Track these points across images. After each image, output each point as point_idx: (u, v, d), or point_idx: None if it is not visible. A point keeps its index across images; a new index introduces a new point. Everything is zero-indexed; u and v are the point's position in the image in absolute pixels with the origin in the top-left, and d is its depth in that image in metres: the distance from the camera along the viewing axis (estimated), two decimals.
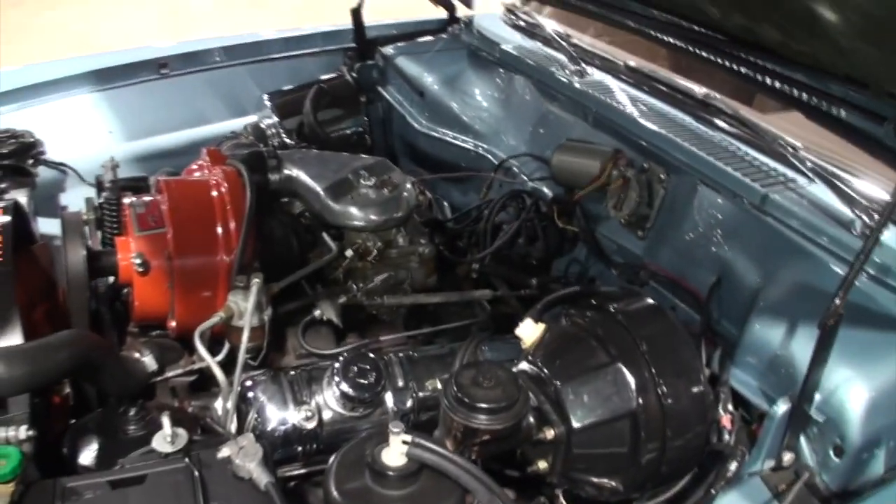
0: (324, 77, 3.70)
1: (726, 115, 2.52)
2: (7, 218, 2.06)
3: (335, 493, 1.52)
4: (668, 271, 2.41)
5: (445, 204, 3.37)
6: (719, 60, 2.37)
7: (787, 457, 1.89)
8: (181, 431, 1.69)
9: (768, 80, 2.24)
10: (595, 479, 1.88)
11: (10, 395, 1.72)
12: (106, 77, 3.53)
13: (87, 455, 1.91)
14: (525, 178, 3.05)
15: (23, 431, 1.70)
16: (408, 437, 1.49)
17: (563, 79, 2.96)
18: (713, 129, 2.53)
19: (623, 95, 2.81)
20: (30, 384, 1.72)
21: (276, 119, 3.42)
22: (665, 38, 2.52)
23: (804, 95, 2.15)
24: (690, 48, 2.45)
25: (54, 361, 1.77)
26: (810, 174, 2.18)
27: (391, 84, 3.80)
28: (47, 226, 2.66)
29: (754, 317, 2.08)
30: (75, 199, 2.78)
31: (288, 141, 3.37)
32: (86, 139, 3.37)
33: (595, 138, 2.74)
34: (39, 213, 2.71)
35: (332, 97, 3.54)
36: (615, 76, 2.98)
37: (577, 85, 2.90)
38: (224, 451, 1.60)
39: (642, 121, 2.58)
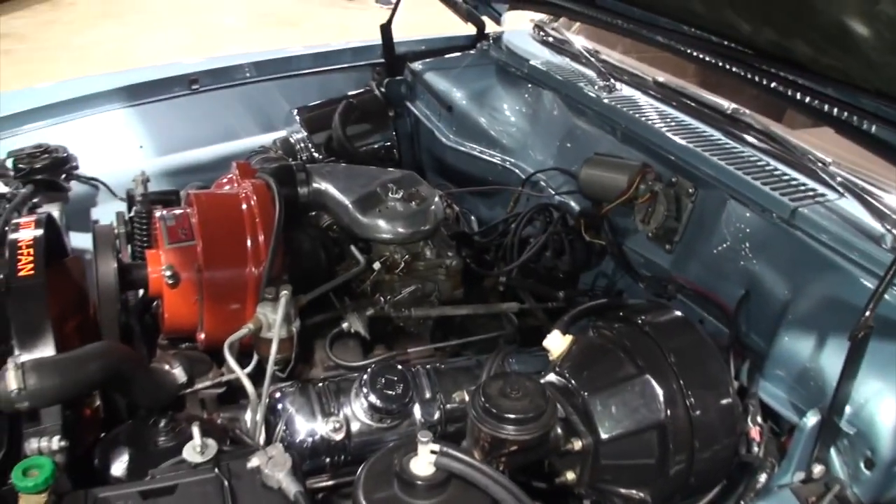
0: (352, 92, 3.72)
1: (755, 130, 2.53)
2: (39, 231, 2.09)
3: (364, 503, 1.52)
4: (696, 284, 2.40)
5: (472, 218, 3.38)
6: (749, 76, 2.36)
7: (818, 469, 1.89)
8: (211, 442, 1.70)
9: (798, 95, 2.22)
10: (623, 491, 1.87)
11: (42, 405, 1.74)
12: (137, 93, 3.56)
13: (119, 466, 1.93)
14: (552, 192, 3.06)
15: (55, 442, 1.72)
16: (436, 447, 1.49)
17: (591, 94, 2.97)
18: (742, 143, 2.53)
19: (651, 110, 2.82)
20: (61, 395, 1.74)
21: (304, 133, 3.44)
22: (694, 54, 2.52)
23: (835, 110, 2.14)
24: (720, 63, 2.44)
25: (85, 373, 1.79)
26: (840, 189, 2.18)
27: (419, 99, 3.83)
28: (79, 240, 2.69)
29: (783, 330, 2.08)
30: (107, 213, 2.80)
31: (316, 155, 3.40)
32: (117, 154, 3.41)
33: (623, 153, 2.74)
34: (71, 228, 2.74)
35: (360, 112, 3.57)
36: (644, 91, 2.99)
37: (605, 100, 2.91)
38: (253, 462, 1.61)
39: (671, 135, 2.58)
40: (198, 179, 3.07)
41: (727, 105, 2.66)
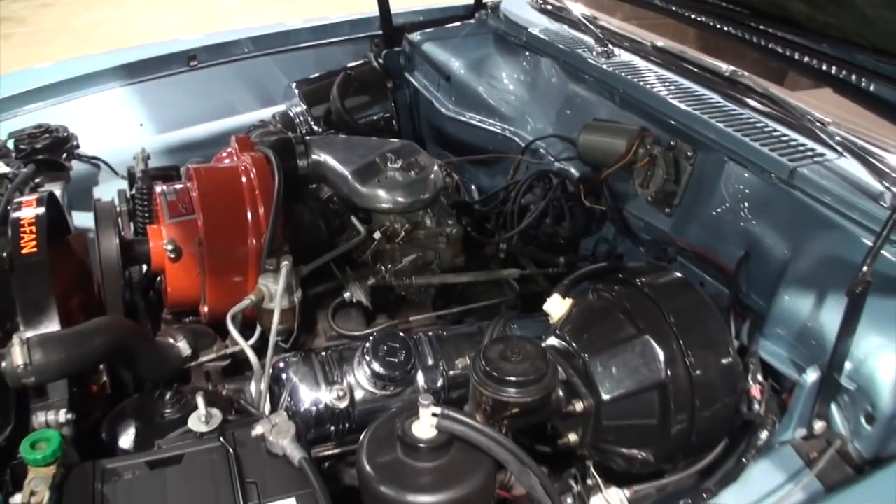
0: (351, 64, 3.72)
1: (754, 92, 2.52)
2: (42, 209, 2.10)
3: (367, 467, 1.54)
4: (696, 247, 2.41)
5: (473, 186, 3.39)
6: (746, 36, 2.36)
7: (819, 425, 1.90)
8: (215, 411, 1.71)
9: (796, 55, 2.22)
10: (625, 451, 1.89)
11: (48, 380, 1.75)
12: (136, 71, 3.58)
13: (126, 439, 1.95)
14: (552, 159, 3.06)
15: (62, 415, 1.73)
16: (437, 410, 1.50)
17: (590, 60, 2.97)
18: (740, 106, 2.53)
19: (650, 75, 2.81)
20: (67, 370, 1.75)
21: (303, 107, 3.44)
22: (691, 16, 2.51)
23: (833, 69, 2.14)
24: (717, 25, 2.44)
25: (91, 347, 1.80)
26: (839, 148, 2.17)
27: (418, 70, 3.82)
28: (81, 219, 2.70)
29: (783, 289, 2.08)
30: (108, 192, 2.82)
31: (315, 128, 3.40)
32: (117, 133, 3.43)
33: (622, 118, 2.74)
34: (73, 207, 2.76)
35: (359, 84, 3.56)
36: (642, 57, 2.98)
37: (604, 66, 2.90)
38: (258, 430, 1.62)
39: (669, 99, 2.57)
40: (198, 155, 3.07)
41: (726, 68, 2.65)
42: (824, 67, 2.17)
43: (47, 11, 10.36)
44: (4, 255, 2.02)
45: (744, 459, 1.86)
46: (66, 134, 2.99)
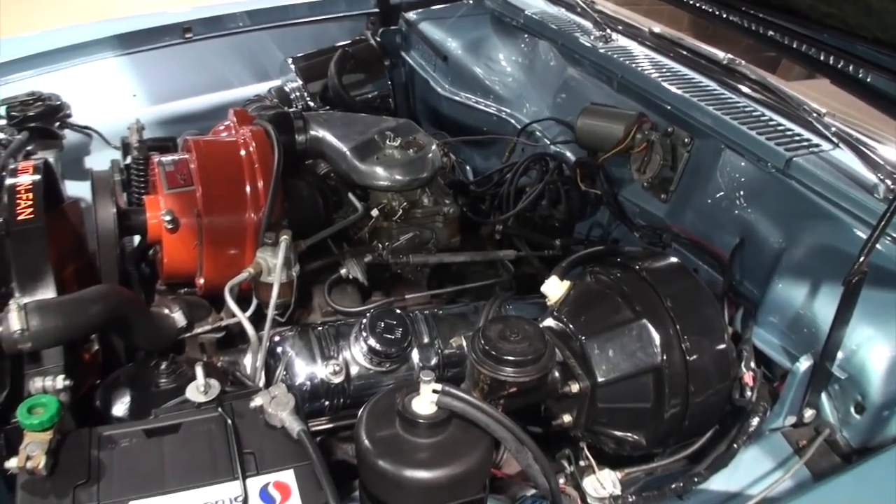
0: (347, 41, 3.71)
1: (751, 81, 2.53)
2: (38, 176, 2.09)
3: (366, 441, 1.54)
4: (691, 233, 2.42)
5: (468, 168, 3.39)
6: (745, 24, 2.36)
7: (809, 413, 1.92)
8: (214, 382, 1.70)
9: (795, 44, 2.23)
10: (618, 433, 1.90)
11: (44, 347, 1.75)
12: (130, 41, 3.54)
13: (120, 407, 1.95)
14: (548, 142, 3.06)
15: (59, 381, 1.73)
16: (438, 386, 1.51)
17: (587, 44, 2.97)
18: (737, 94, 2.53)
19: (647, 61, 2.81)
20: (64, 336, 1.75)
21: (300, 82, 3.43)
22: (691, 2, 2.51)
23: (831, 59, 2.15)
24: (716, 12, 2.44)
25: (87, 315, 1.80)
26: (834, 139, 2.19)
27: (414, 49, 3.82)
28: (74, 188, 2.69)
29: (777, 277, 2.10)
30: (100, 161, 2.81)
31: (312, 104, 3.38)
32: (110, 103, 3.40)
33: (619, 103, 2.75)
34: (66, 176, 2.74)
35: (356, 61, 3.54)
36: (640, 42, 2.98)
37: (601, 50, 2.90)
38: (256, 401, 1.62)
39: (667, 85, 2.58)
40: (191, 128, 3.07)
41: (723, 55, 2.66)
42: (822, 57, 2.18)
43: None
44: (1, 220, 2.01)
45: (735, 445, 1.88)
46: (58, 102, 2.96)
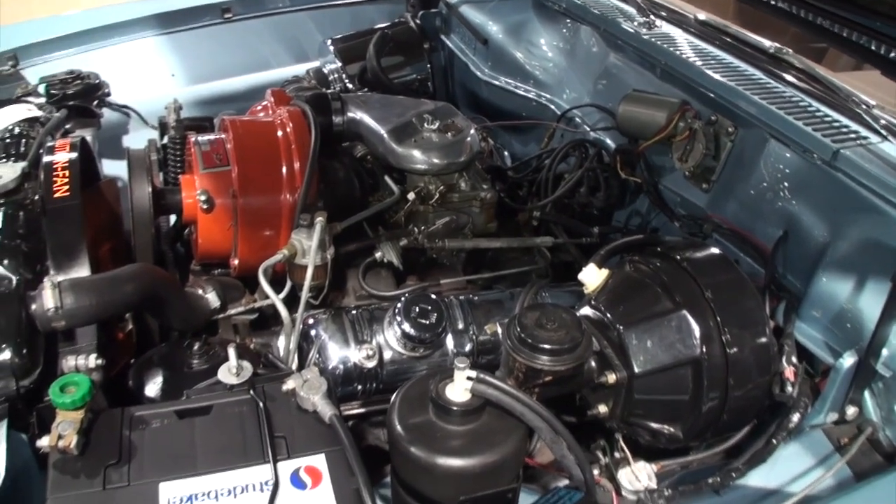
0: (387, 24, 3.69)
1: (797, 70, 2.47)
2: (74, 154, 2.08)
3: (399, 427, 1.52)
4: (733, 224, 2.38)
5: (506, 153, 3.36)
6: (793, 10, 2.32)
7: (851, 411, 1.89)
8: (246, 364, 1.69)
9: (845, 32, 2.18)
10: (655, 426, 1.88)
11: (78, 325, 1.74)
12: (169, 21, 3.56)
13: (152, 387, 1.94)
14: (588, 128, 3.02)
15: (92, 360, 1.72)
16: (473, 373, 1.49)
17: (630, 30, 2.92)
18: (783, 83, 2.47)
19: (691, 48, 2.76)
20: (97, 315, 1.75)
21: (338, 64, 3.42)
22: None
23: (882, 49, 2.09)
24: None
25: (121, 293, 1.80)
26: (883, 132, 2.14)
27: (454, 32, 3.78)
28: (110, 167, 2.69)
29: (821, 271, 2.06)
30: (138, 141, 2.80)
31: (350, 86, 3.38)
32: (149, 82, 3.41)
33: (662, 91, 2.70)
34: (103, 155, 2.75)
35: (395, 43, 3.53)
36: (684, 29, 2.92)
37: (644, 36, 2.85)
38: (289, 384, 1.61)
39: (711, 73, 2.52)
40: (229, 108, 3.06)
41: (769, 44, 2.61)
42: (873, 46, 2.13)
43: None
44: (36, 198, 2.01)
45: (774, 441, 1.85)
46: (97, 81, 2.98)
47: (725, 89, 2.45)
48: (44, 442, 1.46)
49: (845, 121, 2.26)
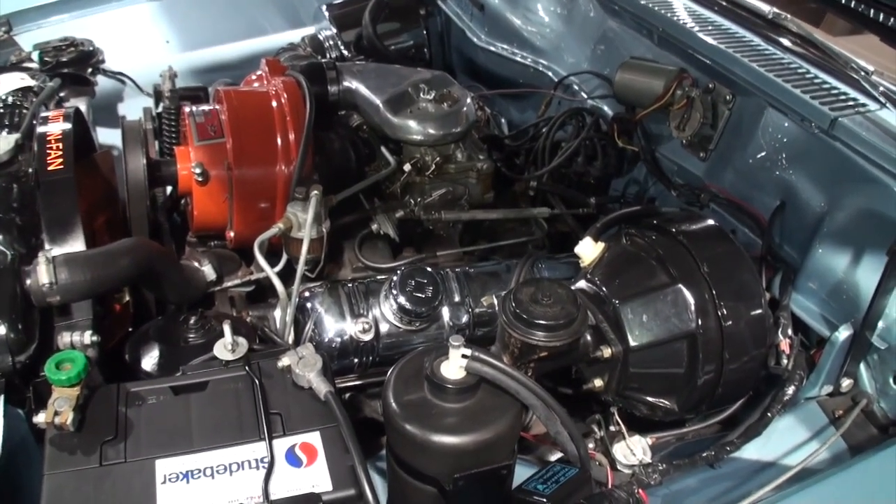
0: None
1: (795, 36, 2.45)
2: (68, 125, 2.06)
3: (393, 405, 1.52)
4: (730, 193, 2.37)
5: (503, 121, 3.34)
6: None
7: (846, 383, 1.90)
8: (242, 340, 1.69)
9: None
10: (650, 399, 1.88)
11: (73, 300, 1.74)
12: None
13: (149, 361, 1.94)
14: (585, 96, 3.00)
15: (87, 337, 1.73)
16: (467, 351, 1.48)
17: None
18: (782, 50, 2.45)
19: (689, 14, 2.73)
20: (93, 290, 1.75)
21: (334, 31, 3.38)
22: None
23: (881, 16, 2.07)
24: None
25: (117, 268, 1.79)
26: (882, 99, 2.12)
27: None
28: (106, 136, 2.67)
29: (818, 242, 2.06)
30: (133, 109, 2.79)
31: (346, 53, 3.34)
32: (143, 49, 3.37)
33: (659, 57, 2.67)
34: (98, 123, 2.73)
35: (391, 9, 3.49)
36: None
37: (642, 1, 2.82)
38: (284, 361, 1.61)
39: (709, 39, 2.50)
40: (225, 76, 3.03)
41: (768, 9, 2.58)
42: (871, 14, 2.11)
43: None
44: (30, 170, 2.00)
45: (769, 413, 1.86)
46: (91, 48, 2.95)
47: (723, 56, 2.42)
48: (40, 418, 1.46)
49: (844, 88, 2.23)
